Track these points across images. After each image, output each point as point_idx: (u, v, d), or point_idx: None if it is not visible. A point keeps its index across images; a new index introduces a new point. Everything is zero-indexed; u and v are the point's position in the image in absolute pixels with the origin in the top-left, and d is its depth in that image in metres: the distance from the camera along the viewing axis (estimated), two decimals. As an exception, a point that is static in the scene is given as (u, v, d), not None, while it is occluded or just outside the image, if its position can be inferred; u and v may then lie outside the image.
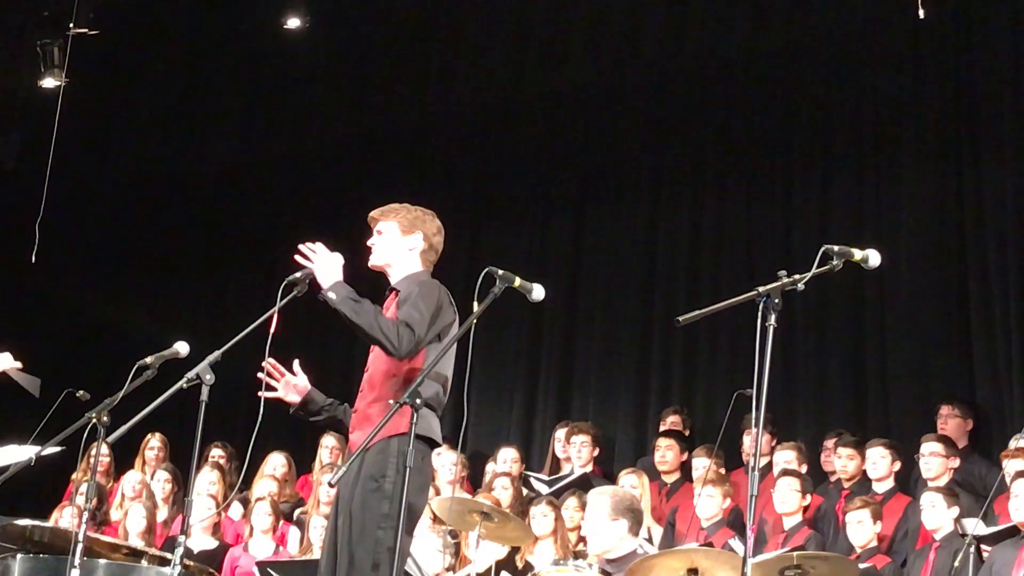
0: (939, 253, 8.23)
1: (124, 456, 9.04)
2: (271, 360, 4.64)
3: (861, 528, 6.64)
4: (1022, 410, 7.48)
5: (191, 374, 4.49)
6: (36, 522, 6.16)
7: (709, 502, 7.16)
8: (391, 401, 4.27)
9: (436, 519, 6.96)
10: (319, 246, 4.58)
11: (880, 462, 7.15)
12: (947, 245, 8.21)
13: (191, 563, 6.16)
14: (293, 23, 10.10)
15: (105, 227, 11.73)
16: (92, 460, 5.23)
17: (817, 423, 8.28)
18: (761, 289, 3.92)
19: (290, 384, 4.71)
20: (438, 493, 7.43)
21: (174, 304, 11.32)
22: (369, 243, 4.79)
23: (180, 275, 11.50)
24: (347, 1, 10.55)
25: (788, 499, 7.01)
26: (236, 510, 8.21)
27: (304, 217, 10.68)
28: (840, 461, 7.47)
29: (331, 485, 4.32)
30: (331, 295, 4.46)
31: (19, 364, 6.00)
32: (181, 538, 4.52)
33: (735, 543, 6.69)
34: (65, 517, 8.03)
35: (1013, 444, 6.83)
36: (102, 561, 5.73)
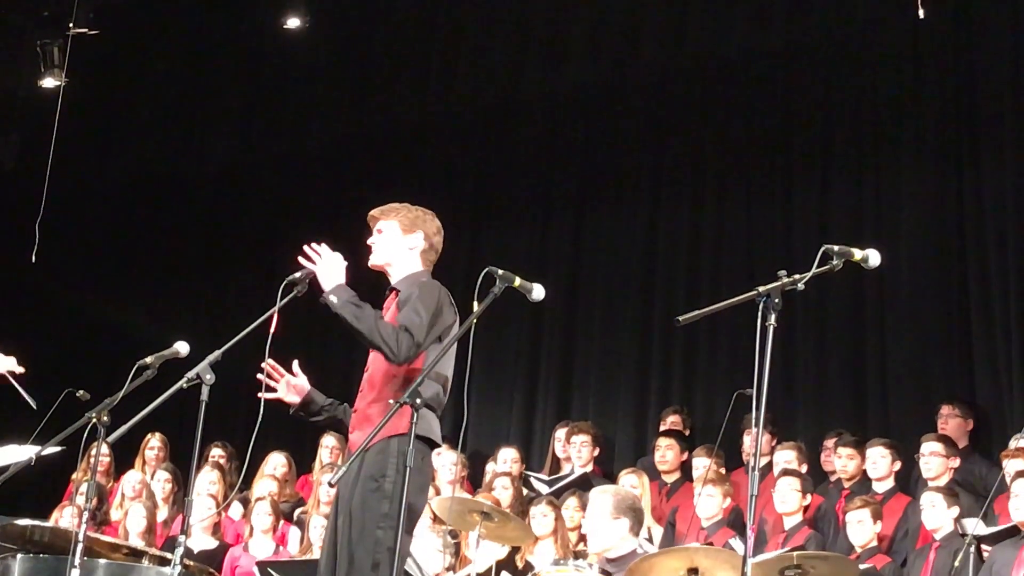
0: (939, 253, 8.23)
1: (124, 456, 9.04)
2: (270, 361, 4.63)
3: (861, 528, 6.64)
4: (1022, 410, 7.47)
5: (191, 374, 4.49)
6: (36, 522, 6.16)
7: (709, 502, 7.16)
8: (391, 401, 4.27)
9: (436, 519, 6.96)
10: (323, 248, 4.58)
11: (880, 462, 7.15)
12: (947, 245, 8.21)
13: (191, 563, 6.16)
14: (293, 23, 10.11)
15: (105, 227, 11.74)
16: (92, 460, 5.23)
17: (817, 423, 8.28)
18: (761, 289, 3.92)
19: (290, 385, 4.71)
20: (438, 493, 7.43)
21: (174, 304, 11.31)
22: (369, 242, 4.79)
23: (180, 275, 11.50)
24: (347, 1, 10.55)
25: (788, 499, 7.01)
26: (236, 510, 8.21)
27: (304, 217, 10.68)
28: (840, 461, 7.47)
29: (331, 485, 4.32)
30: (332, 299, 4.46)
31: (22, 369, 5.99)
32: (181, 538, 4.52)
33: (735, 543, 6.69)
34: (65, 517, 8.03)
35: (1013, 444, 6.82)
36: (102, 561, 5.73)
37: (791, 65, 9.06)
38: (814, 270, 3.98)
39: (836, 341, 8.49)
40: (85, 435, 4.92)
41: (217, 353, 4.55)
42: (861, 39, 8.72)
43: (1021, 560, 5.91)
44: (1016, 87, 8.10)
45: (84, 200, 11.56)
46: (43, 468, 5.73)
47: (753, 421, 3.85)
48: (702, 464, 7.67)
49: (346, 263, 4.58)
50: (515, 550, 6.97)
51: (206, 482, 8.13)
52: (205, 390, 4.48)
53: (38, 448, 5.54)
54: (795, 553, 5.53)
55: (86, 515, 4.86)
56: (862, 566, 6.25)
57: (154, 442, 9.10)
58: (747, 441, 7.81)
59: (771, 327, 3.86)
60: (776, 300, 3.89)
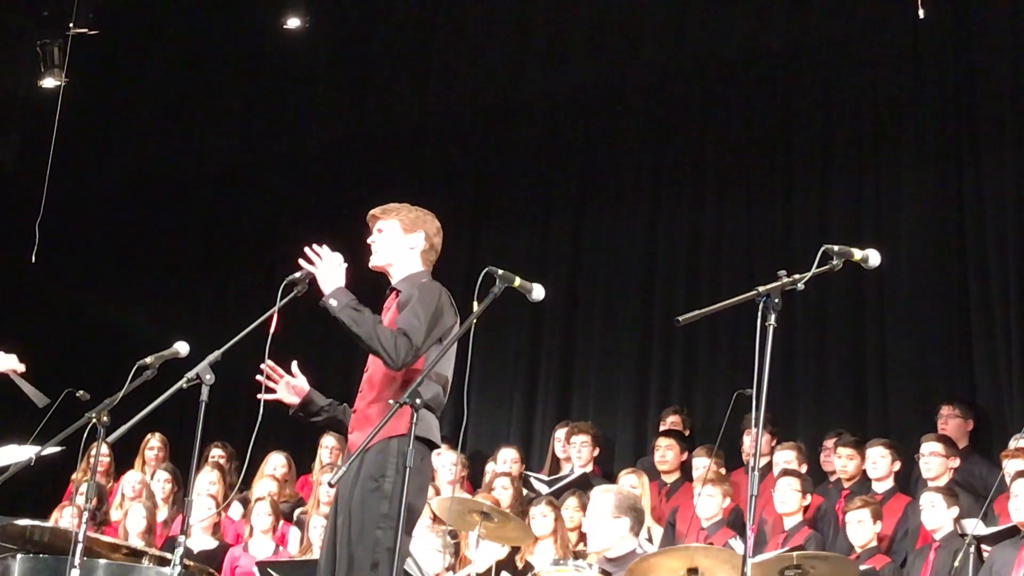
0: (939, 253, 8.23)
1: (124, 456, 9.04)
2: (269, 362, 4.63)
3: (861, 528, 6.64)
4: (1022, 410, 7.47)
5: (191, 374, 4.49)
6: (36, 522, 6.16)
7: (709, 502, 7.16)
8: (391, 401, 4.27)
9: (436, 519, 6.96)
10: (324, 249, 4.57)
11: (880, 462, 7.15)
12: (947, 245, 8.21)
13: (191, 563, 6.16)
14: (293, 23, 10.12)
15: (105, 227, 11.74)
16: (92, 460, 5.23)
17: (817, 423, 8.27)
18: (761, 289, 3.92)
19: (289, 385, 4.71)
20: (438, 493, 7.43)
21: (174, 304, 11.31)
22: (369, 241, 4.78)
23: (180, 275, 11.50)
24: (347, 1, 10.56)
25: (788, 499, 7.00)
26: (236, 510, 8.21)
27: (304, 217, 10.68)
28: (840, 461, 7.47)
29: (331, 485, 4.32)
30: (332, 302, 4.45)
31: (23, 367, 5.98)
32: (181, 538, 4.52)
33: (735, 543, 6.69)
34: (65, 517, 8.03)
35: (1013, 444, 6.82)
36: (102, 561, 5.73)
37: (791, 65, 9.06)
38: (814, 270, 3.98)
39: (836, 341, 8.49)
40: (85, 435, 4.92)
41: (217, 353, 4.55)
42: (861, 39, 8.71)
43: (1021, 560, 5.91)
44: (1016, 87, 8.09)
45: (84, 200, 11.56)
46: (43, 468, 5.73)
47: (753, 421, 3.85)
48: (702, 464, 7.66)
49: (346, 265, 4.58)
50: (515, 550, 6.97)
51: (206, 482, 8.12)
52: (205, 390, 4.48)
53: (38, 448, 5.54)
54: (795, 553, 5.53)
55: (86, 515, 4.86)
56: (862, 566, 6.25)
57: (154, 442, 9.10)
58: (747, 441, 7.81)
59: (771, 327, 3.86)
60: (776, 300, 3.89)
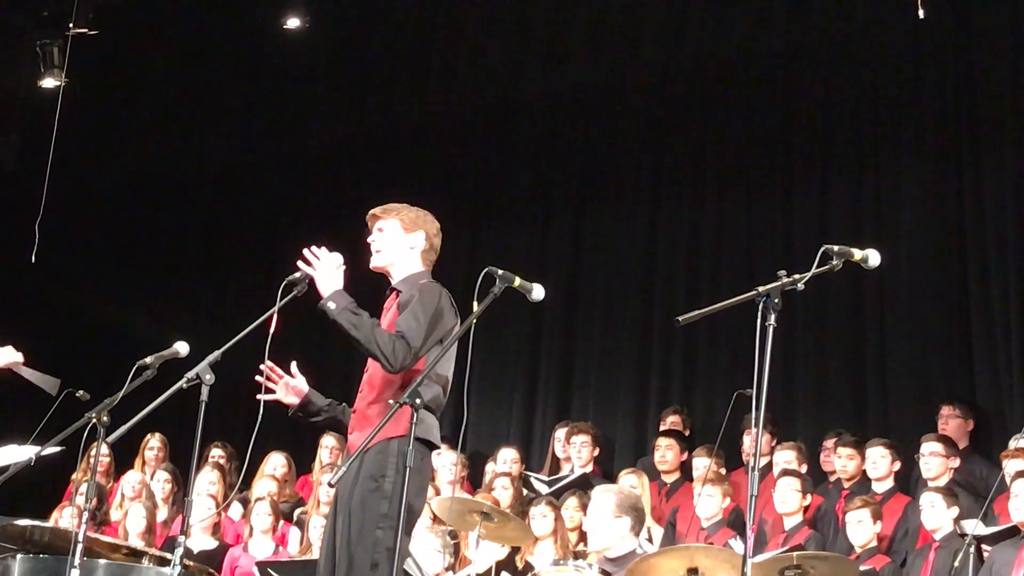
0: (939, 253, 8.23)
1: (124, 456, 9.04)
2: (269, 363, 4.63)
3: (861, 528, 6.64)
4: (1022, 410, 7.47)
5: (191, 374, 4.48)
6: (36, 522, 6.15)
7: (709, 502, 7.16)
8: (391, 401, 4.27)
9: (436, 519, 6.96)
10: (322, 251, 4.57)
11: (880, 462, 7.15)
12: (947, 245, 8.21)
13: (191, 563, 6.15)
14: (293, 23, 10.12)
15: (105, 227, 11.73)
16: (92, 460, 5.23)
17: (817, 423, 8.27)
18: (761, 289, 3.92)
19: (288, 386, 4.71)
20: (438, 493, 7.43)
21: (174, 304, 11.31)
22: (370, 240, 4.78)
23: (180, 275, 11.50)
24: (347, 1, 10.56)
25: (788, 499, 7.01)
26: (236, 510, 8.21)
27: (304, 217, 10.68)
28: (840, 461, 7.47)
29: (331, 485, 4.32)
30: (330, 305, 4.45)
31: (20, 357, 5.97)
32: (181, 538, 4.52)
33: (735, 543, 6.69)
34: (65, 517, 8.03)
35: (1013, 444, 6.82)
36: (102, 561, 5.73)
37: (791, 65, 9.06)
38: (814, 270, 3.98)
39: (836, 341, 8.49)
40: (85, 435, 4.92)
41: (217, 353, 4.55)
42: (861, 39, 8.71)
43: (1021, 560, 5.91)
44: (1016, 87, 8.10)
45: (84, 200, 11.56)
46: (43, 468, 5.73)
47: (753, 421, 3.86)
48: (702, 464, 7.66)
49: (344, 267, 4.57)
50: (515, 550, 6.97)
51: (206, 482, 8.12)
52: (205, 390, 4.48)
53: (38, 448, 5.54)
54: (795, 553, 5.53)
55: (86, 515, 4.86)
56: (862, 566, 6.25)
57: (154, 442, 9.10)
58: (747, 441, 7.81)
59: (771, 327, 3.86)
60: (776, 300, 3.89)
